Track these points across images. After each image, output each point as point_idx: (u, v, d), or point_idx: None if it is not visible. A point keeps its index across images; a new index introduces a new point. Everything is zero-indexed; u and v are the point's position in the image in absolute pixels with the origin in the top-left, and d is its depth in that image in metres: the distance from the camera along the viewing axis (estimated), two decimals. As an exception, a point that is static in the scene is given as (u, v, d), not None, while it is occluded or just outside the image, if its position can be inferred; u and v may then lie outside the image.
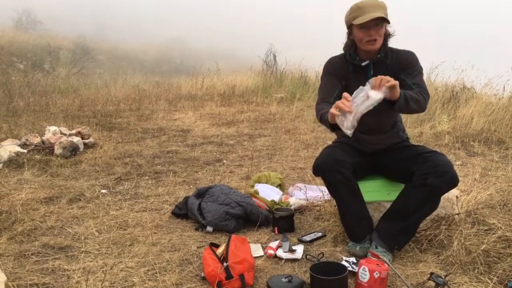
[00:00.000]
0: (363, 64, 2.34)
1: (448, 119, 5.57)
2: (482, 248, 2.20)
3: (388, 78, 2.02)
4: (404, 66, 2.33)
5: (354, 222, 2.41)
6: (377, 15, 2.17)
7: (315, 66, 10.35)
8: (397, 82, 2.04)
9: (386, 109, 2.30)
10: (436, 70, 7.56)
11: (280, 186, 3.43)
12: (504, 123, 5.34)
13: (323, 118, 2.26)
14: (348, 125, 2.01)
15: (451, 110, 6.04)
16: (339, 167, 2.28)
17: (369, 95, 2.01)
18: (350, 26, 2.30)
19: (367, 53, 2.33)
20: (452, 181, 2.17)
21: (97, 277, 2.13)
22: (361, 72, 2.38)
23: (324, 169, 2.35)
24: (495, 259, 2.18)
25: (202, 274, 2.12)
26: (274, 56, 11.16)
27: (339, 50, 2.49)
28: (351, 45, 2.36)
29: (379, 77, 2.02)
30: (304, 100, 8.25)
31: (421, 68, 2.37)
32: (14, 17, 25.37)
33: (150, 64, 23.40)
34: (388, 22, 2.24)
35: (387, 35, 2.33)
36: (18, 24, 24.84)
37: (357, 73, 2.38)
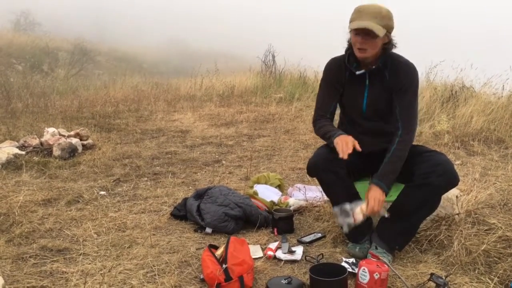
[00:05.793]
0: (358, 73, 2.27)
1: (448, 118, 5.55)
2: (482, 248, 2.20)
3: (378, 208, 2.13)
4: (399, 86, 2.24)
5: None
6: (365, 24, 2.06)
7: (314, 66, 10.32)
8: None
9: (386, 116, 2.31)
10: (435, 70, 7.53)
11: (279, 187, 3.42)
12: (504, 122, 5.33)
13: (325, 136, 2.34)
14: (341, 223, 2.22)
15: (451, 109, 6.02)
16: (332, 167, 2.26)
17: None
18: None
19: (363, 60, 2.24)
20: (453, 180, 2.16)
21: (96, 279, 2.12)
22: (357, 81, 2.31)
23: (317, 169, 2.34)
24: (496, 259, 2.18)
25: (201, 276, 2.11)
26: (273, 56, 11.12)
27: (339, 51, 2.42)
28: (350, 47, 2.26)
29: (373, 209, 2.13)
30: (303, 100, 8.22)
31: (415, 89, 2.28)
32: (12, 19, 25.42)
33: (148, 65, 23.40)
34: (377, 36, 2.08)
35: (388, 46, 2.21)
36: (17, 26, 24.90)
37: (353, 81, 2.31)
